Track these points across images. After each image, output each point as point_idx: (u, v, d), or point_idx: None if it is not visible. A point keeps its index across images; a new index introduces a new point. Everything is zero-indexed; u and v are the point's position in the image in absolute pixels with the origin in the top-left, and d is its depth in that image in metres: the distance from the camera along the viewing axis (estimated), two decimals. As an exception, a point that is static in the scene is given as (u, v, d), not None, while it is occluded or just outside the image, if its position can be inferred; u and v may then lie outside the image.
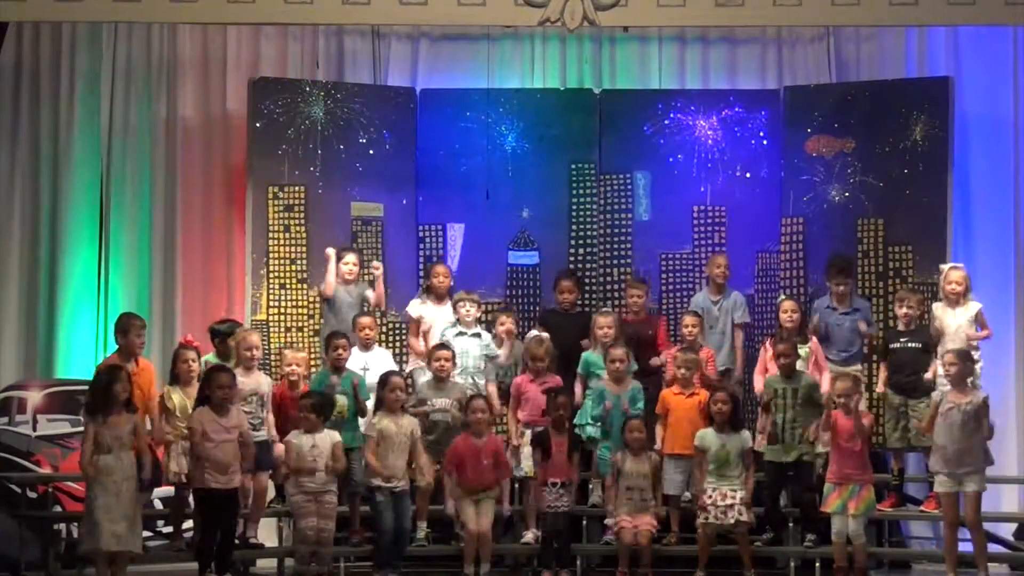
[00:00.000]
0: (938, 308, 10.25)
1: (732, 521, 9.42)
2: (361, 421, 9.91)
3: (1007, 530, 10.71)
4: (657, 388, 10.19)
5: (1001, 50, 11.72)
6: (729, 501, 9.43)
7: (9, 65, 11.72)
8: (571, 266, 11.54)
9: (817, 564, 9.68)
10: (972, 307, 10.16)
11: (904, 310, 10.29)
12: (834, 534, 9.35)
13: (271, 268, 11.35)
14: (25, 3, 10.34)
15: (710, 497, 9.46)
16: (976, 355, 9.90)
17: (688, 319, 10.50)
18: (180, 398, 9.49)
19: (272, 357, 10.97)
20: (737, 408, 9.73)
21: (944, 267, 10.41)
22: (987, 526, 9.84)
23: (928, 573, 10.25)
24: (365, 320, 10.46)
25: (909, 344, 10.20)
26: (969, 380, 9.40)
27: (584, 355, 10.40)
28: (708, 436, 9.58)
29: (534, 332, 10.47)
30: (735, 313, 10.92)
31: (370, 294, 10.81)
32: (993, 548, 10.08)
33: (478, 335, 10.48)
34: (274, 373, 10.64)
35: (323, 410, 9.42)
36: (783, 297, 10.76)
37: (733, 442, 9.54)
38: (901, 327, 10.32)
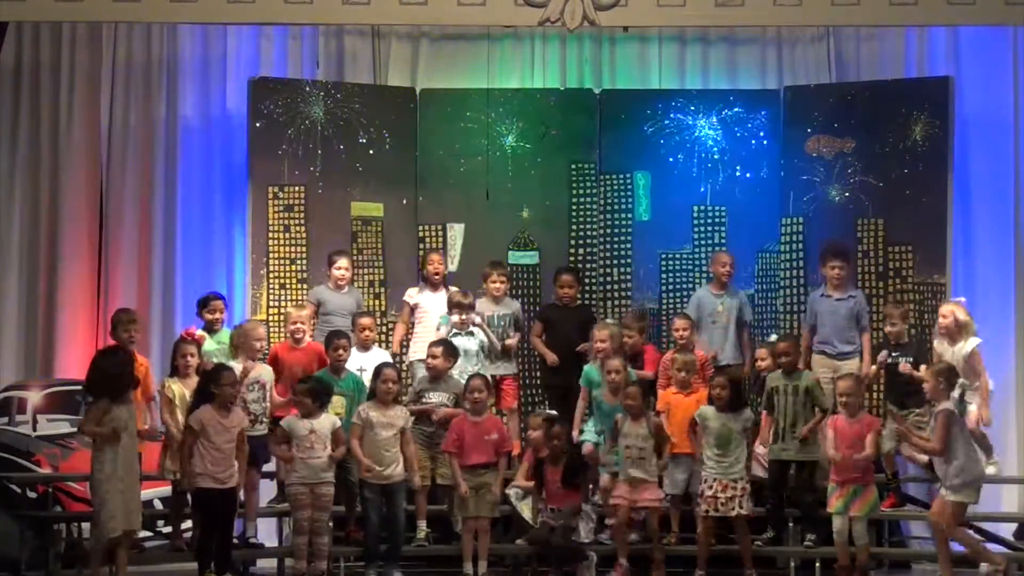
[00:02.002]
0: (937, 345, 9.95)
1: (734, 514, 9.41)
2: None
3: (1007, 530, 10.69)
4: (653, 390, 10.14)
5: (1001, 50, 11.71)
6: (730, 493, 9.40)
7: (9, 65, 11.73)
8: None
9: (817, 564, 9.66)
10: (970, 344, 9.71)
11: (888, 328, 10.19)
12: (835, 533, 9.32)
13: (271, 268, 11.35)
14: (25, 3, 10.37)
15: (711, 488, 9.44)
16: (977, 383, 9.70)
17: (679, 322, 10.41)
18: (179, 388, 9.50)
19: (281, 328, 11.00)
20: (737, 390, 9.65)
21: (944, 306, 10.06)
22: (987, 526, 9.89)
23: (928, 573, 10.23)
24: (366, 320, 10.45)
25: (900, 359, 10.03)
26: (953, 392, 9.21)
27: (585, 369, 10.18)
28: (710, 414, 9.51)
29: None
30: (744, 311, 10.90)
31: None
32: (993, 548, 10.06)
33: (471, 334, 10.48)
34: (280, 336, 10.80)
35: (319, 396, 9.34)
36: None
37: (735, 421, 9.48)
38: (892, 343, 10.21)
